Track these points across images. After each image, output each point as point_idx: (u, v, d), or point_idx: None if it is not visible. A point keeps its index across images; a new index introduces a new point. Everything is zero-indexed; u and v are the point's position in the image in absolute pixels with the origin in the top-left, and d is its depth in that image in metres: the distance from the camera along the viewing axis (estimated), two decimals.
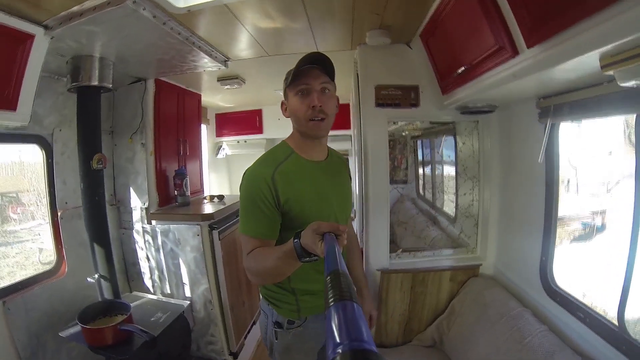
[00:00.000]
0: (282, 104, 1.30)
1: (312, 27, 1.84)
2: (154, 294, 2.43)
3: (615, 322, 1.31)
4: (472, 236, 2.30)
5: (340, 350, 0.38)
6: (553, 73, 1.19)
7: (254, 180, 1.18)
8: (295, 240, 0.94)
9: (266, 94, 3.39)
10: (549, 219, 1.70)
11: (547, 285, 1.68)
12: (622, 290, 1.29)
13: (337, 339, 0.40)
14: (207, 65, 2.16)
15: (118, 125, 2.35)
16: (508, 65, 1.23)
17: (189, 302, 2.29)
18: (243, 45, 2.05)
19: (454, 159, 2.48)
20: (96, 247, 1.91)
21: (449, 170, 2.83)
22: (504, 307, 1.78)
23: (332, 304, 0.50)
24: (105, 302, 1.88)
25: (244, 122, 3.89)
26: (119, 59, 1.89)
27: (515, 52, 1.16)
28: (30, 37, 1.38)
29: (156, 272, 2.41)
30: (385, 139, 2.16)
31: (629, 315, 1.30)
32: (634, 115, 1.26)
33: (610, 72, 0.93)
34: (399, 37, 1.96)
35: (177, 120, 2.65)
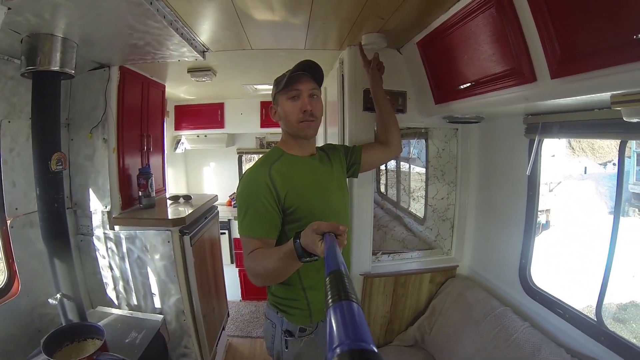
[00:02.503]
0: (271, 108, 1.37)
1: (310, 24, 1.74)
2: (119, 306, 2.17)
3: (593, 316, 1.46)
4: (448, 239, 2.40)
5: (339, 350, 0.38)
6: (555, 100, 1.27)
7: (252, 182, 1.23)
8: (296, 241, 0.94)
9: (232, 87, 3.19)
10: (530, 224, 1.84)
11: (527, 284, 1.83)
12: (601, 287, 1.46)
13: (337, 339, 0.40)
14: (184, 55, 1.94)
15: (75, 117, 2.01)
16: (523, 88, 1.28)
17: (162, 316, 2.09)
18: (228, 36, 1.87)
19: (424, 162, 2.57)
20: (57, 262, 1.62)
21: (418, 172, 2.93)
22: (487, 306, 1.91)
23: (332, 304, 0.50)
24: (72, 326, 1.61)
25: (205, 115, 3.63)
26: (84, 41, 1.61)
27: (533, 78, 1.21)
28: None
29: (120, 283, 2.15)
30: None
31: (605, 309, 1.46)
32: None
33: (618, 108, 1.04)
34: (392, 41, 1.94)
35: (140, 113, 2.36)
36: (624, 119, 1.06)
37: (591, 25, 0.95)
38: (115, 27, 1.52)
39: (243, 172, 4.37)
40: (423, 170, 2.62)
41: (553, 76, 1.12)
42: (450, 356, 1.91)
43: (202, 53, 2.01)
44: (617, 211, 1.44)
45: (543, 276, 1.84)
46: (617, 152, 1.44)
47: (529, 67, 1.20)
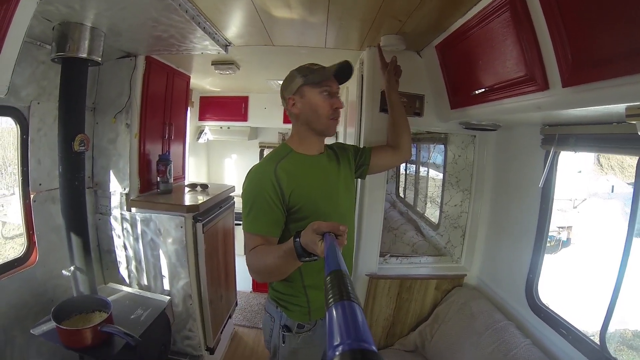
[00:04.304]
0: (291, 99, 1.31)
1: (329, 23, 1.76)
2: (130, 285, 2.28)
3: (597, 340, 1.40)
4: (458, 246, 2.36)
5: (339, 351, 0.38)
6: (571, 110, 1.22)
7: (258, 179, 1.23)
8: (296, 240, 0.94)
9: (257, 82, 3.25)
10: (540, 239, 1.78)
11: (532, 300, 1.77)
12: (607, 311, 1.39)
13: (337, 339, 0.40)
14: (207, 48, 2.01)
15: (101, 102, 2.12)
16: (535, 96, 1.24)
17: (168, 297, 2.17)
18: (250, 32, 1.92)
19: (442, 167, 2.53)
20: (73, 237, 1.73)
21: (436, 178, 2.88)
22: (490, 319, 1.86)
23: (332, 303, 0.50)
24: (82, 297, 1.72)
25: (229, 107, 3.70)
26: (111, 31, 1.70)
27: (546, 85, 1.17)
28: None
29: (133, 263, 2.26)
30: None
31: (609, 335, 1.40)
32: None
33: (634, 122, 0.99)
34: (411, 44, 1.92)
35: (164, 102, 2.45)
36: (639, 133, 1.01)
37: (603, 31, 0.91)
38: (139, 19, 1.60)
39: None
40: (440, 175, 2.59)
41: (565, 84, 1.08)
42: None
43: (225, 47, 2.07)
44: (631, 232, 1.37)
45: (556, 294, 1.77)
46: (635, 169, 1.37)
47: (542, 74, 1.16)
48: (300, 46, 2.15)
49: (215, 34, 1.87)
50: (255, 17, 1.69)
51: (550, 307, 1.68)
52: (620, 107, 1.02)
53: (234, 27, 1.85)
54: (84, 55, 1.62)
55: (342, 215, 1.36)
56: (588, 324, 1.48)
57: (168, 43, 1.91)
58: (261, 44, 2.10)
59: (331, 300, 0.51)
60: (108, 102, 2.13)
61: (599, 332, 1.39)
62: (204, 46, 1.97)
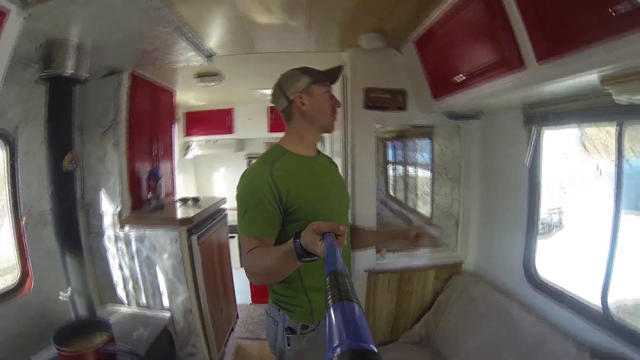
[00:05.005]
0: (299, 96, 1.31)
1: (310, 27, 1.81)
2: (129, 305, 2.22)
3: (599, 306, 1.44)
4: (453, 236, 2.40)
5: (339, 350, 0.38)
6: (547, 86, 1.29)
7: (253, 180, 1.22)
8: (296, 241, 0.94)
9: (240, 93, 3.28)
10: (532, 217, 1.84)
11: (532, 278, 1.82)
12: (605, 278, 1.44)
13: (337, 339, 0.40)
14: (191, 59, 2.03)
15: (88, 121, 2.10)
16: (514, 77, 1.31)
17: (169, 313, 2.13)
18: (232, 40, 1.96)
19: (429, 162, 2.59)
20: (68, 259, 1.69)
21: (424, 172, 2.94)
22: (490, 300, 1.90)
23: (331, 304, 0.50)
24: (82, 320, 1.67)
25: (214, 121, 3.72)
26: (96, 47, 1.70)
27: (521, 64, 1.24)
28: (3, 13, 1.19)
29: (130, 282, 2.21)
30: (372, 141, 2.20)
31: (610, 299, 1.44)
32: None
33: (608, 90, 1.06)
34: (392, 42, 1.99)
35: (150, 118, 2.45)
36: (614, 98, 1.07)
37: (571, 5, 0.97)
38: (124, 33, 1.61)
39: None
40: (428, 173, 2.63)
41: (539, 59, 1.15)
42: (457, 351, 1.89)
43: (209, 57, 2.09)
44: (618, 197, 1.44)
45: (555, 275, 1.82)
46: (615, 138, 1.44)
47: (517, 54, 1.23)
48: (283, 52, 2.19)
49: (199, 44, 1.89)
50: (237, 24, 1.73)
51: (550, 281, 1.73)
52: (594, 79, 1.09)
53: (216, 36, 1.88)
54: (71, 73, 1.61)
55: (337, 215, 1.36)
56: (589, 297, 1.53)
57: (153, 56, 1.92)
58: (244, 52, 2.14)
59: (330, 301, 0.51)
60: (94, 121, 2.11)
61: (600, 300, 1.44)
62: (188, 57, 1.99)
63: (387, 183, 3.86)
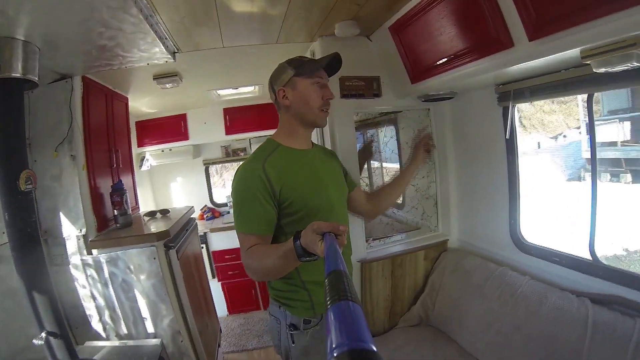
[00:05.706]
0: (281, 90, 1.31)
1: (287, 15, 1.74)
2: (107, 338, 1.96)
3: (588, 256, 1.59)
4: (433, 216, 2.48)
5: (338, 351, 0.38)
6: (531, 63, 1.39)
7: (246, 177, 1.22)
8: (296, 241, 0.96)
9: (196, 94, 3.07)
10: (513, 186, 1.97)
11: (519, 242, 1.94)
12: (590, 229, 1.59)
13: (336, 339, 0.41)
14: (155, 56, 1.84)
15: (37, 135, 1.79)
16: (501, 55, 1.39)
17: (159, 339, 1.92)
18: (202, 33, 1.82)
19: (404, 146, 2.64)
20: (37, 297, 1.43)
21: (391, 161, 3.00)
22: (485, 270, 1.99)
23: (330, 305, 0.51)
24: None
25: (167, 128, 3.47)
26: (48, 45, 1.46)
27: (511, 43, 1.32)
28: None
29: (106, 312, 1.94)
30: (352, 130, 2.19)
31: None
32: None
33: (588, 62, 1.19)
34: (364, 29, 1.99)
35: (107, 127, 2.19)
36: (594, 70, 1.19)
37: None
38: (84, 25, 1.40)
39: (211, 184, 4.20)
40: (396, 165, 2.67)
41: (531, 38, 1.23)
42: (459, 325, 1.96)
43: (173, 54, 1.93)
44: (594, 156, 1.59)
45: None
46: (586, 104, 1.59)
47: (506, 34, 1.31)
48: (250, 45, 2.09)
49: (166, 38, 1.73)
50: (212, 14, 1.60)
51: (537, 243, 1.87)
52: (573, 54, 1.20)
53: (185, 29, 1.73)
54: (19, 75, 1.37)
55: (333, 207, 1.35)
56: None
57: (112, 54, 1.71)
58: (210, 47, 2.00)
59: (329, 301, 0.51)
60: (45, 133, 1.81)
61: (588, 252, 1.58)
62: (152, 54, 1.80)
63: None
